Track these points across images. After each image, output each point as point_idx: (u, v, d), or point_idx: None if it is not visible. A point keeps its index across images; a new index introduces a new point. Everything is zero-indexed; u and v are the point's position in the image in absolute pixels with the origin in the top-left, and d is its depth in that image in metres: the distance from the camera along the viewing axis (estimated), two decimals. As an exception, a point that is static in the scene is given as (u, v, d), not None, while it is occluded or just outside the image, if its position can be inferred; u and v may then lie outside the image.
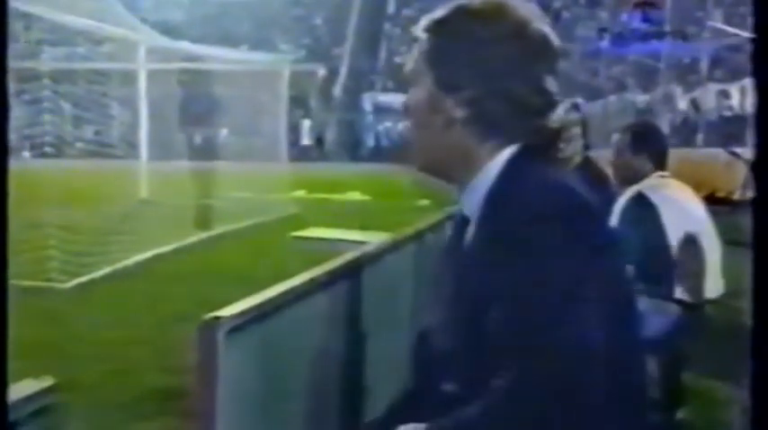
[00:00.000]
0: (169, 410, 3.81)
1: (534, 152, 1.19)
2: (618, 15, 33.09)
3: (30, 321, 5.49)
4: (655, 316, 3.17)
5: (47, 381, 1.17)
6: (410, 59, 1.25)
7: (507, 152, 1.19)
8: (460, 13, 1.20)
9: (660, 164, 3.38)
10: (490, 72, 1.17)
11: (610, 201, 3.77)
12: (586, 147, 4.07)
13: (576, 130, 3.97)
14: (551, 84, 1.20)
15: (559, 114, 1.22)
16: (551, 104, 1.20)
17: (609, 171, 3.66)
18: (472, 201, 1.21)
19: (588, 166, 4.06)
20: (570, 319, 1.05)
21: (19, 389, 1.11)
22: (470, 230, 1.21)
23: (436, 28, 1.22)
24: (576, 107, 4.02)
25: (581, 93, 27.91)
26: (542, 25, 1.21)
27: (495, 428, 1.06)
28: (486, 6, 1.19)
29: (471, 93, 1.18)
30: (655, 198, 3.23)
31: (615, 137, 3.48)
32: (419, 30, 1.24)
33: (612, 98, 27.68)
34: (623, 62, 31.01)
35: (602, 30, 31.50)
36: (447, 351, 1.19)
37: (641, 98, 28.13)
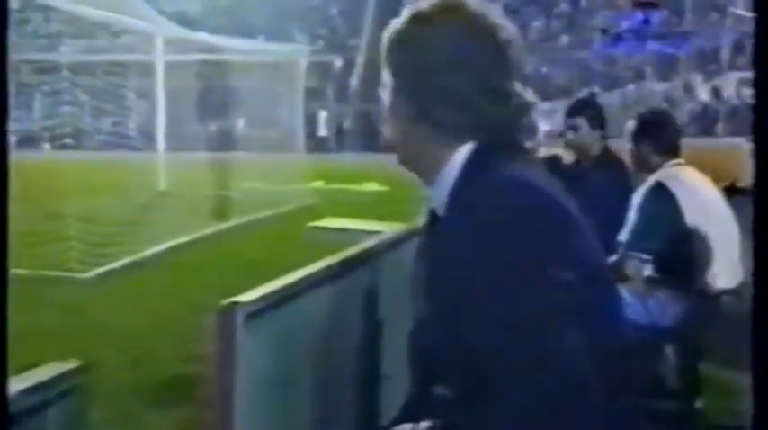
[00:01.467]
0: (188, 398, 3.85)
1: (493, 147, 1.22)
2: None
3: (50, 310, 5.56)
4: (672, 305, 3.16)
5: (73, 363, 1.19)
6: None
7: (465, 149, 1.23)
8: (413, 18, 1.27)
9: (671, 152, 3.35)
10: (435, 72, 1.23)
11: (627, 190, 3.75)
12: (604, 137, 4.05)
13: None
14: (504, 80, 1.23)
15: (514, 107, 1.24)
16: (503, 100, 1.23)
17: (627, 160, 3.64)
18: (438, 197, 1.25)
19: (606, 156, 4.04)
20: (534, 313, 1.06)
21: (46, 371, 1.13)
22: (438, 227, 1.25)
23: (394, 35, 1.29)
24: (591, 96, 4.01)
25: (598, 82, 27.82)
26: (495, 22, 1.24)
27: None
28: (435, 10, 1.25)
29: (418, 93, 1.24)
30: (674, 188, 3.20)
31: (627, 125, 3.47)
32: (384, 37, 1.31)
33: (631, 87, 27.45)
34: (641, 51, 30.74)
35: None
36: (427, 349, 1.21)
37: (660, 87, 27.87)
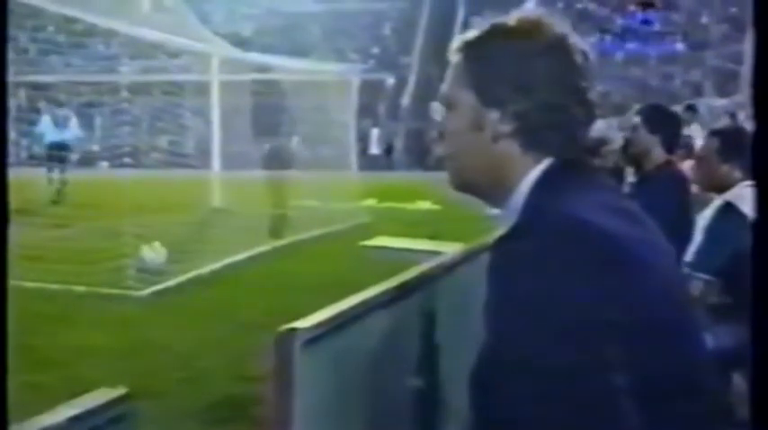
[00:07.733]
0: (241, 417, 3.84)
1: (569, 165, 1.19)
2: (692, 19, 32.32)
3: (106, 327, 5.64)
4: (740, 329, 3.04)
5: (121, 390, 1.18)
6: (446, 83, 1.27)
7: (543, 165, 1.19)
8: (497, 32, 1.23)
9: (748, 172, 3.24)
10: (534, 86, 1.19)
11: (687, 207, 3.63)
12: (670, 150, 3.91)
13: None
14: (591, 96, 1.22)
15: (599, 128, 1.23)
16: (592, 116, 1.22)
17: (692, 175, 3.52)
18: (511, 219, 1.20)
19: (670, 170, 3.90)
20: (576, 348, 1.04)
21: (95, 397, 1.12)
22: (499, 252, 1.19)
23: (472, 48, 1.24)
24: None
25: (655, 98, 27.41)
26: (577, 39, 1.22)
27: None
28: (523, 24, 1.21)
29: (518, 106, 1.19)
30: (745, 209, 3.09)
31: (701, 141, 3.34)
32: (452, 52, 1.26)
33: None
34: (700, 66, 30.20)
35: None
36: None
37: (719, 103, 27.29)
